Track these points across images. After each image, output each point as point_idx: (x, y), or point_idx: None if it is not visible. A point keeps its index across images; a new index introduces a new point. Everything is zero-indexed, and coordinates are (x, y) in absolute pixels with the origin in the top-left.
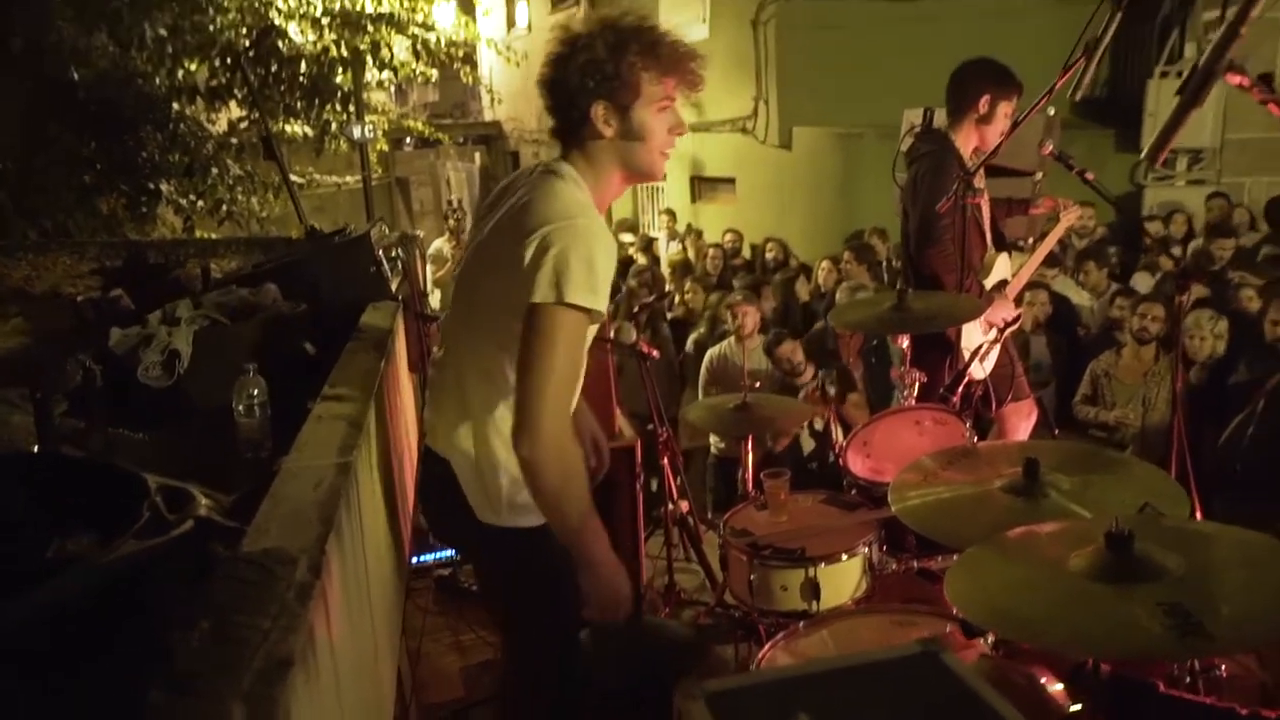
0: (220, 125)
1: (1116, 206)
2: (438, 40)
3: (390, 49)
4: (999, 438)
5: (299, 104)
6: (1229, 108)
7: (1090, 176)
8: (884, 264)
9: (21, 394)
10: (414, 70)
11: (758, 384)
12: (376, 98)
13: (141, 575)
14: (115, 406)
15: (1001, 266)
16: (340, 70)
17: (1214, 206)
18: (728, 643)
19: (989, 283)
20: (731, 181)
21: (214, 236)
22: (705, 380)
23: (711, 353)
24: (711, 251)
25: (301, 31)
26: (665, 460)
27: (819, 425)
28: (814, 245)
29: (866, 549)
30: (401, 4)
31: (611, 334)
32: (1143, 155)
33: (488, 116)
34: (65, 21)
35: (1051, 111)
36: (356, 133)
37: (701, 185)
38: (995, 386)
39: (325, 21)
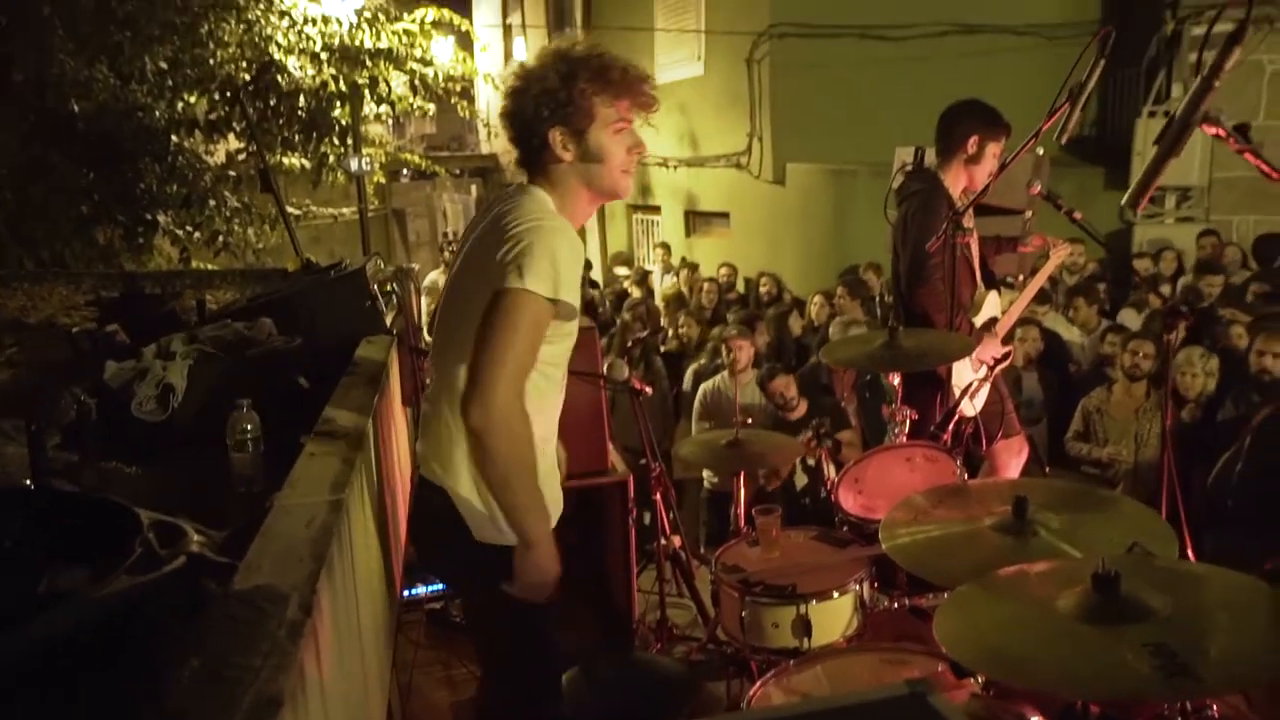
0: (218, 157)
1: (1105, 246)
2: (436, 75)
3: (388, 84)
4: (990, 474)
5: (297, 137)
6: (1216, 147)
7: (1079, 216)
8: (877, 299)
9: (15, 425)
10: (412, 104)
11: (749, 420)
12: (374, 130)
13: (133, 611)
14: (109, 440)
15: (991, 304)
16: (338, 104)
17: (1206, 244)
18: (719, 679)
19: (979, 320)
20: (726, 216)
21: (210, 267)
22: (698, 413)
23: (705, 386)
24: (706, 285)
25: (301, 66)
26: (658, 495)
27: (811, 460)
28: (807, 280)
29: (858, 586)
30: (400, 40)
31: (604, 370)
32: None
33: (484, 149)
34: (67, 55)
35: (1040, 151)
36: (354, 165)
37: (696, 219)
38: (986, 424)
39: (324, 56)
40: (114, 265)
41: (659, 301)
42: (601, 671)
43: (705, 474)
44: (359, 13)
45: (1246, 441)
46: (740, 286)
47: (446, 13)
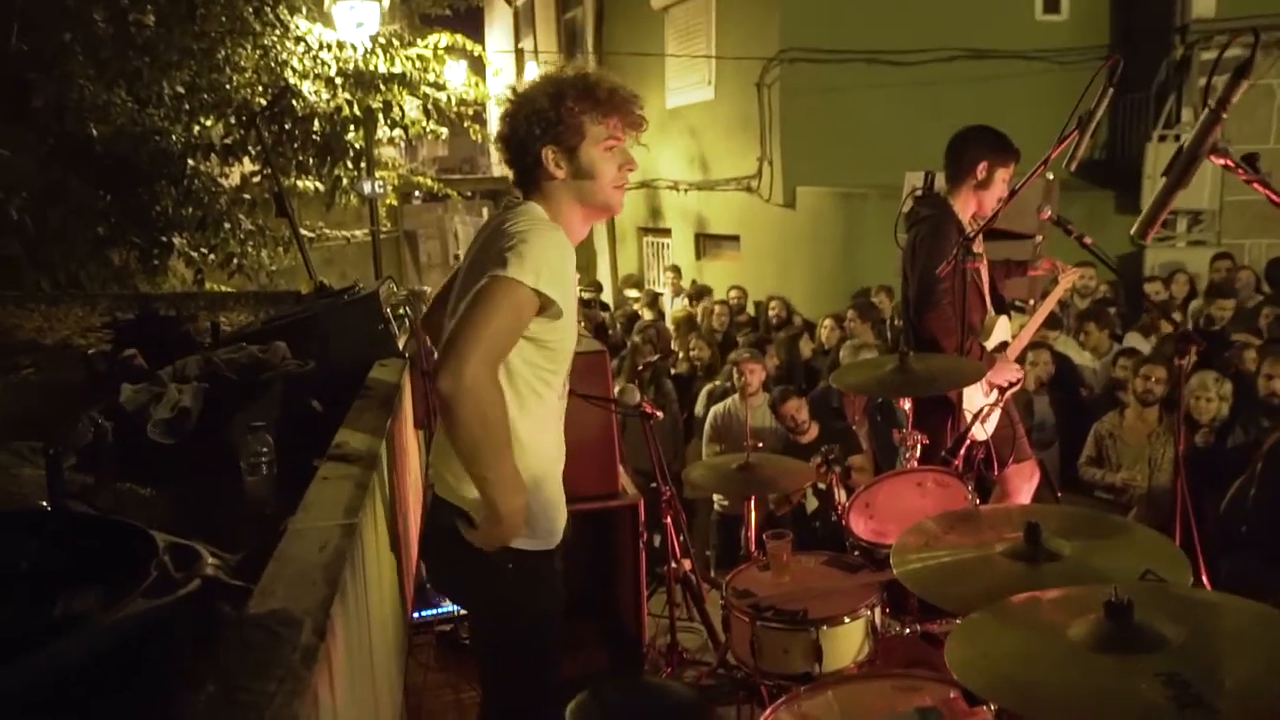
0: (233, 180)
1: (1116, 270)
2: (448, 99)
3: (402, 108)
4: (1001, 499)
5: (311, 161)
6: (1227, 171)
7: (1089, 241)
8: (888, 322)
9: (32, 447)
10: (424, 128)
11: (760, 444)
12: (387, 153)
13: (148, 635)
14: (124, 462)
15: (1001, 329)
16: (352, 128)
17: (1220, 267)
18: (730, 705)
19: (989, 345)
20: (736, 239)
21: (224, 289)
22: (709, 436)
23: (716, 409)
24: (717, 308)
25: (315, 91)
26: (668, 518)
27: (822, 484)
28: (817, 303)
29: (869, 612)
30: (414, 64)
31: (615, 393)
32: (1132, 232)
33: (496, 172)
34: (86, 80)
35: (1050, 176)
36: (367, 188)
37: (706, 242)
38: (997, 448)
39: (339, 81)
40: (129, 287)
41: (669, 324)
42: (611, 696)
43: (715, 496)
44: (373, 38)
45: (1259, 466)
46: (750, 309)
47: (460, 38)
